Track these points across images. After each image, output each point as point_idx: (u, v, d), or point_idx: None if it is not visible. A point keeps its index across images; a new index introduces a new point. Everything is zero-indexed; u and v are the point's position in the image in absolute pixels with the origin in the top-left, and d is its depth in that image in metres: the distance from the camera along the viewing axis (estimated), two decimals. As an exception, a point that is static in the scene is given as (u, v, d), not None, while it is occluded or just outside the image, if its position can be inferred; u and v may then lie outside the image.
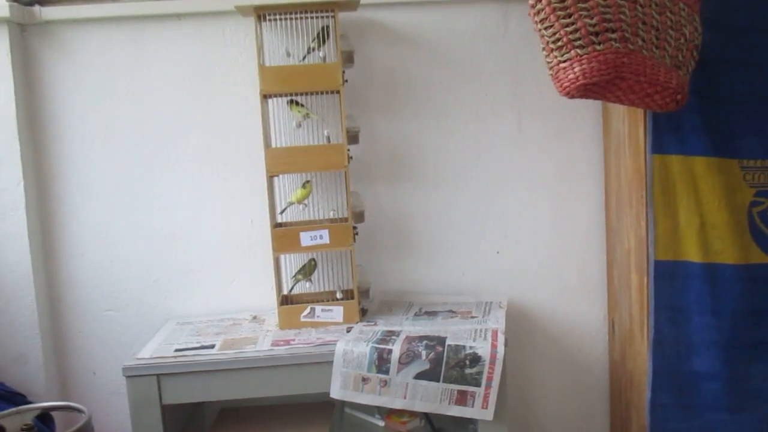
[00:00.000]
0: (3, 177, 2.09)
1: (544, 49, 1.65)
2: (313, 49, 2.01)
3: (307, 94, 2.02)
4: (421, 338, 1.83)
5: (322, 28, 2.01)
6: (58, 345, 2.22)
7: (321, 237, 1.98)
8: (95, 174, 2.18)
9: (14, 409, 1.90)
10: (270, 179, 2.00)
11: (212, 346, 1.90)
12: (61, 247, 2.20)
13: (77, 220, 2.19)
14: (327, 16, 1.99)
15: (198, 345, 1.92)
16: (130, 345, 2.19)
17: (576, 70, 1.60)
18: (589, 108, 2.18)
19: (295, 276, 2.09)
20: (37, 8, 2.09)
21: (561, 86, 1.64)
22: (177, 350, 1.89)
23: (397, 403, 1.80)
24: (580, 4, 1.58)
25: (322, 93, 2.01)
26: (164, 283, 2.22)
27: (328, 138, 2.03)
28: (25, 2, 2.08)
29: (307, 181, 2.07)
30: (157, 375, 1.81)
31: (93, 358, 2.23)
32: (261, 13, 1.98)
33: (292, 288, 2.10)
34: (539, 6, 1.62)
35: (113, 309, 2.22)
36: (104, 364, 2.23)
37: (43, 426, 1.93)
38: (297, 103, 2.04)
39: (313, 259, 2.10)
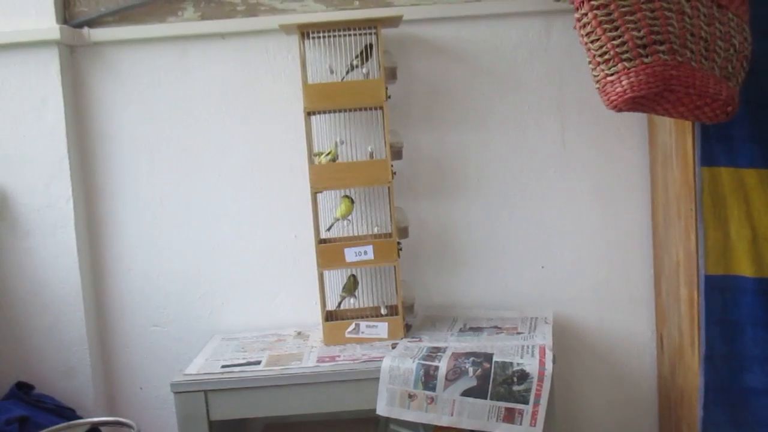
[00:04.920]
0: (53, 194, 2.13)
1: (590, 62, 1.64)
2: (356, 66, 2.02)
3: (350, 110, 2.03)
4: (468, 355, 1.82)
5: (366, 46, 2.01)
6: (106, 360, 2.26)
7: (365, 253, 1.98)
8: (141, 190, 2.21)
9: (65, 424, 1.94)
10: (314, 195, 2.01)
11: (258, 362, 1.91)
12: (109, 262, 2.23)
13: (124, 235, 2.22)
14: (370, 33, 2.00)
15: (244, 361, 1.93)
16: (176, 360, 2.21)
17: (624, 83, 1.58)
18: (634, 119, 2.16)
19: (340, 294, 2.09)
20: (86, 30, 2.13)
21: (608, 100, 1.62)
22: (224, 366, 1.90)
23: (444, 420, 1.78)
24: (626, 17, 1.56)
25: (365, 109, 2.02)
26: (209, 298, 2.25)
27: (372, 154, 2.04)
28: (75, 24, 2.13)
29: (346, 196, 2.07)
30: (205, 391, 1.83)
31: (140, 372, 2.26)
32: (305, 31, 1.99)
33: (339, 304, 2.10)
34: (585, 19, 1.60)
35: (159, 324, 2.25)
36: (151, 379, 2.25)
37: (93, 441, 1.96)
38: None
39: (353, 275, 2.10)
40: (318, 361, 1.89)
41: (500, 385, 1.76)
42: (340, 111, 2.04)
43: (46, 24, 2.08)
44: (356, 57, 2.02)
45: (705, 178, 1.84)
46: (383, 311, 2.07)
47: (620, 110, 1.64)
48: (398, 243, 2.02)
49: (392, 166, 2.01)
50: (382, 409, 1.81)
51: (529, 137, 2.19)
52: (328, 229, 2.10)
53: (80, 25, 2.14)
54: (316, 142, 2.07)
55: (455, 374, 1.78)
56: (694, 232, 1.86)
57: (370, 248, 1.99)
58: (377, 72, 2.01)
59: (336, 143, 2.05)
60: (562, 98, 2.17)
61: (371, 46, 2.01)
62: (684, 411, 2.01)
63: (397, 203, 2.11)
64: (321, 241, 2.05)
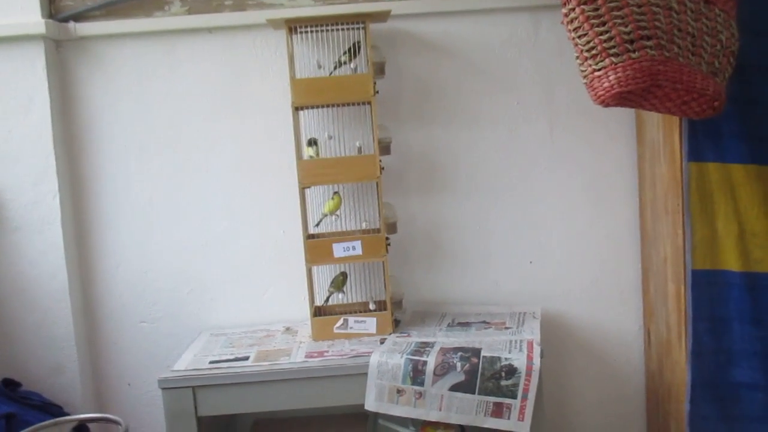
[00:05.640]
0: (40, 190, 2.12)
1: (578, 57, 1.64)
2: (344, 63, 2.02)
3: (338, 105, 2.02)
4: (456, 350, 1.82)
5: (354, 43, 2.01)
6: (94, 356, 2.25)
7: (354, 248, 1.98)
8: (129, 186, 2.20)
9: (52, 420, 1.93)
10: (302, 191, 2.01)
11: (246, 358, 1.91)
12: (97, 259, 2.22)
13: (112, 232, 2.21)
14: (358, 28, 2.00)
15: (232, 357, 1.93)
16: (165, 356, 2.20)
17: (611, 78, 1.58)
18: (623, 115, 2.16)
19: (328, 289, 2.09)
20: (72, 24, 2.12)
21: (596, 95, 1.62)
22: (212, 362, 1.90)
23: (433, 415, 1.79)
24: (614, 12, 1.57)
25: (353, 104, 2.01)
26: (198, 295, 2.24)
27: (360, 149, 2.03)
28: (61, 19, 2.11)
29: (335, 192, 2.07)
30: (193, 387, 1.82)
31: (128, 369, 2.25)
32: (292, 26, 1.99)
33: (327, 299, 2.10)
34: (573, 15, 1.60)
35: (147, 320, 2.24)
36: (139, 376, 2.25)
37: (81, 437, 1.96)
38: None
39: (343, 273, 2.10)
40: (306, 357, 1.89)
41: (488, 380, 1.76)
42: (328, 106, 2.03)
43: (32, 18, 2.06)
44: (344, 53, 2.02)
45: (692, 173, 1.84)
46: (372, 307, 2.06)
47: (608, 105, 1.64)
48: (387, 238, 2.02)
49: (381, 161, 2.00)
50: (370, 405, 1.81)
51: (517, 133, 2.19)
52: (317, 225, 2.09)
53: (66, 20, 2.12)
54: (305, 139, 2.07)
55: (443, 369, 1.78)
56: (682, 227, 1.86)
57: (358, 243, 1.99)
58: (365, 67, 2.00)
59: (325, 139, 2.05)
60: (551, 94, 2.18)
61: (359, 43, 2.00)
62: (671, 406, 2.02)
63: (385, 199, 2.10)
64: (309, 237, 2.04)
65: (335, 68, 2.03)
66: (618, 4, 1.56)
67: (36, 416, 1.95)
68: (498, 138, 2.19)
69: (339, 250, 1.99)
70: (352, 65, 2.01)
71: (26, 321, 2.15)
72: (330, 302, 2.11)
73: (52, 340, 2.15)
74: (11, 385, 2.07)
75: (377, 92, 2.00)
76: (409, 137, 2.19)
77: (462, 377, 1.77)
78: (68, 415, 2.03)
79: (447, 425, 1.92)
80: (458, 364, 1.78)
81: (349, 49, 2.01)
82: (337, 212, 2.07)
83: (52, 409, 2.04)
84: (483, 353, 1.79)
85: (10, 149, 2.11)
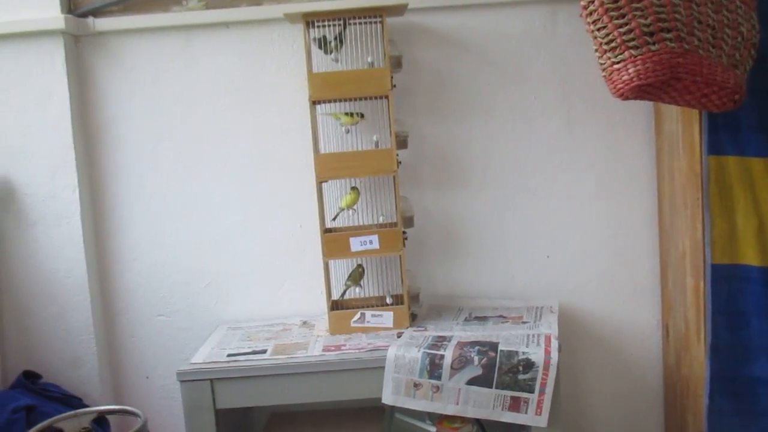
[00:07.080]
0: (59, 184, 2.13)
1: (596, 50, 1.63)
2: (331, 51, 2.01)
3: (355, 99, 2.02)
4: (473, 344, 1.82)
5: (339, 33, 2.01)
6: (112, 349, 2.27)
7: (371, 242, 1.98)
8: (147, 180, 2.21)
9: (72, 412, 1.94)
10: (319, 185, 2.01)
11: (264, 351, 1.92)
12: (115, 252, 2.24)
13: (130, 225, 2.23)
14: (375, 22, 2.00)
15: (250, 350, 1.94)
16: (182, 349, 2.22)
17: (630, 71, 1.57)
18: (641, 108, 2.15)
19: (345, 282, 2.09)
20: (90, 20, 2.13)
21: (615, 88, 1.61)
22: (229, 355, 1.91)
23: (450, 409, 1.79)
24: (633, 4, 1.55)
25: (370, 98, 2.01)
26: (214, 288, 2.25)
27: (377, 143, 2.03)
28: (79, 14, 2.13)
29: (353, 187, 2.07)
30: (211, 380, 1.83)
31: (146, 362, 2.27)
32: (309, 20, 1.99)
33: (344, 294, 2.10)
34: (592, 7, 1.59)
35: (165, 314, 2.25)
36: (157, 368, 2.26)
37: (100, 429, 1.97)
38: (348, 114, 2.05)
39: (361, 266, 2.10)
40: (323, 350, 1.89)
41: (506, 374, 1.76)
42: (345, 100, 2.03)
43: (51, 13, 2.08)
44: (332, 41, 2.01)
45: (712, 166, 1.83)
46: (388, 300, 2.07)
47: (627, 98, 1.63)
48: (403, 232, 2.02)
49: (397, 155, 2.00)
50: (387, 398, 1.82)
51: (534, 126, 2.18)
52: (334, 219, 2.10)
53: (85, 15, 2.13)
54: (321, 133, 2.07)
55: (461, 363, 1.78)
56: (701, 221, 1.85)
57: (375, 238, 1.99)
58: (382, 61, 2.00)
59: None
60: (568, 87, 2.17)
61: (341, 33, 2.00)
62: (689, 400, 2.01)
63: (402, 193, 2.10)
64: (326, 231, 2.05)
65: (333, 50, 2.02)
66: (638, -5, 1.55)
67: (56, 408, 1.97)
68: (515, 131, 2.18)
69: (356, 244, 1.99)
70: (333, 57, 2.00)
71: (45, 314, 2.17)
72: (347, 296, 2.11)
73: (70, 333, 2.17)
74: (31, 377, 2.09)
75: (394, 86, 2.00)
76: (425, 131, 2.19)
77: (479, 371, 1.77)
78: (87, 407, 2.05)
79: (464, 419, 1.92)
80: (475, 358, 1.78)
81: (336, 37, 2.00)
82: (354, 206, 2.07)
83: (72, 401, 2.06)
84: (500, 347, 1.79)
85: (29, 144, 2.12)
